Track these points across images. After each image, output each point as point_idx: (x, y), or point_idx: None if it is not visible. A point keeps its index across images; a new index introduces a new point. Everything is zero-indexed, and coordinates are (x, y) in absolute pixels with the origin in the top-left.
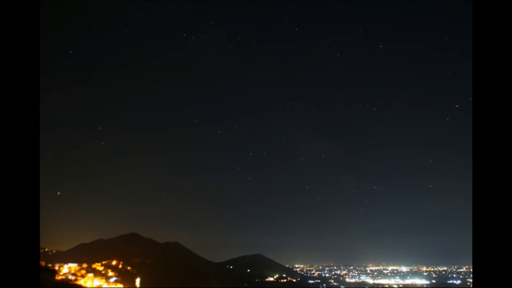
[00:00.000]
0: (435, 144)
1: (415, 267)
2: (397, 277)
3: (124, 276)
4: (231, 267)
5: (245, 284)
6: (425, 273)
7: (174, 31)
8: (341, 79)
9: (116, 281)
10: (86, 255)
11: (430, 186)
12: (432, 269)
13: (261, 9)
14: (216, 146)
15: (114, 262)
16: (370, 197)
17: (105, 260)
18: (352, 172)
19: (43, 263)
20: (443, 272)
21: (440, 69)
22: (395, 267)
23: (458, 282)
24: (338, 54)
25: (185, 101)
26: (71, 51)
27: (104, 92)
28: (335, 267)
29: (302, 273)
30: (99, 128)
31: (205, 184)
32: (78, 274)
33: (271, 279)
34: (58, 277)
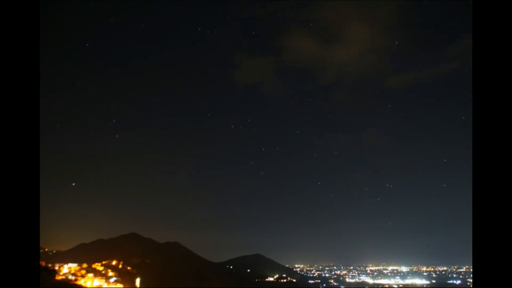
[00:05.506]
0: (450, 142)
1: (415, 267)
2: (397, 277)
3: (124, 276)
4: (231, 267)
5: (245, 284)
6: (425, 273)
7: (189, 25)
8: (355, 76)
9: (116, 281)
10: (86, 255)
11: (444, 185)
12: (432, 269)
13: (275, 5)
14: (228, 141)
15: (114, 262)
16: (383, 195)
17: (105, 260)
18: (364, 169)
19: (43, 263)
20: (443, 272)
21: (457, 66)
22: (395, 267)
23: (458, 282)
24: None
25: (198, 96)
26: (87, 45)
27: (117, 86)
28: (335, 267)
29: (302, 273)
30: (114, 121)
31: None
32: (78, 274)
33: (271, 279)
34: (58, 277)
